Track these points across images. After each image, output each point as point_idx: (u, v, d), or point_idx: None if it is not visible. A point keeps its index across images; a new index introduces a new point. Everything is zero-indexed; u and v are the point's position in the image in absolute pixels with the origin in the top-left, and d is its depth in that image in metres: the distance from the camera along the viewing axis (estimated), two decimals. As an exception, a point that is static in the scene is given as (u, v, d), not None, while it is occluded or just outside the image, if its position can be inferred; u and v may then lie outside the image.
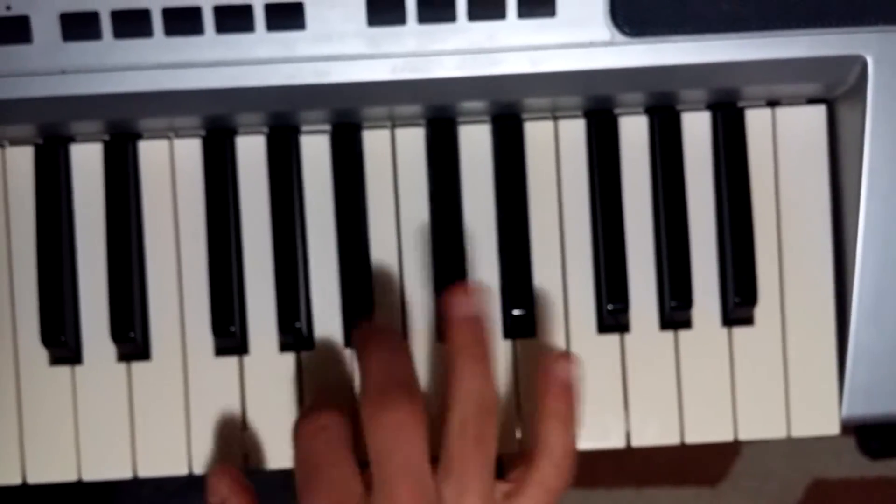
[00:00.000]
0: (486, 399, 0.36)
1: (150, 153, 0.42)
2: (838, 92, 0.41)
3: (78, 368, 0.42)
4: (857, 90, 0.40)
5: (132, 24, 0.38)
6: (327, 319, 0.42)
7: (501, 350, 0.42)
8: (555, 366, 0.37)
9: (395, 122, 0.42)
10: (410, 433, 0.35)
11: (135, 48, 0.38)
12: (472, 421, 0.35)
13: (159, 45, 0.38)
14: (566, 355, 0.38)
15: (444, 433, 0.36)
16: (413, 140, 0.42)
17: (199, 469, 0.42)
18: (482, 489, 0.35)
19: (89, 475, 0.42)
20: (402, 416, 0.35)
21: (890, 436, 0.43)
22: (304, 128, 0.42)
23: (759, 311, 0.42)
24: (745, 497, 0.92)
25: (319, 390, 0.39)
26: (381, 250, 0.42)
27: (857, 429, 0.43)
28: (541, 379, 0.37)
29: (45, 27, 0.38)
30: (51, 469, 0.41)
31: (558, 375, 0.37)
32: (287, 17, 0.38)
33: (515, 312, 0.41)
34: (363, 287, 0.41)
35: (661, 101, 0.42)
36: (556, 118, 0.42)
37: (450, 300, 0.37)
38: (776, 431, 0.42)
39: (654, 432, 0.42)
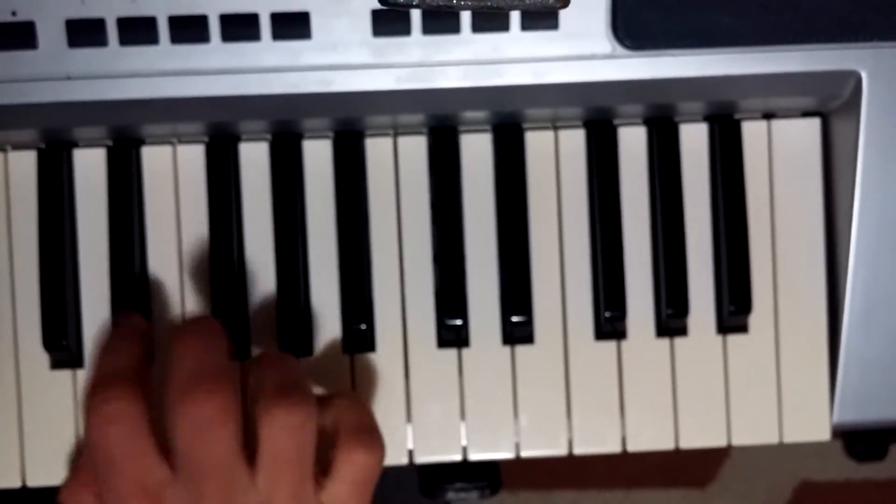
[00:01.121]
0: (292, 380, 0.34)
1: (154, 159, 0.42)
2: (833, 105, 0.42)
3: (79, 373, 0.42)
4: (852, 104, 0.40)
5: (138, 31, 0.38)
6: (327, 325, 0.42)
7: (501, 356, 0.42)
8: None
9: (397, 131, 0.42)
10: (217, 429, 0.32)
11: (140, 55, 0.38)
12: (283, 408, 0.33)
13: (165, 53, 0.38)
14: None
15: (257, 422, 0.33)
16: (415, 148, 0.42)
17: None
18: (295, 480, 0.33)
19: (90, 478, 0.42)
20: (208, 412, 0.32)
21: (876, 439, 0.44)
22: (308, 135, 0.42)
23: (754, 319, 0.42)
24: (734, 499, 0.93)
25: (108, 348, 0.35)
26: (383, 257, 0.42)
27: (844, 432, 0.44)
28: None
29: (51, 33, 0.38)
30: (51, 472, 0.42)
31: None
32: (293, 26, 0.38)
33: (515, 319, 0.42)
34: (364, 294, 0.42)
35: (660, 113, 0.42)
36: (556, 128, 0.42)
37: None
38: (768, 437, 0.42)
39: (649, 437, 0.42)
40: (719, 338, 0.43)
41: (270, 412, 0.33)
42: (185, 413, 0.32)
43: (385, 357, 0.42)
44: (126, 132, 0.42)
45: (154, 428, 0.34)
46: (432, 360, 0.42)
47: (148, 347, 0.37)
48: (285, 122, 0.42)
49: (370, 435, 0.36)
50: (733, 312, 0.42)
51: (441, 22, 0.38)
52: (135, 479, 0.33)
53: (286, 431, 0.33)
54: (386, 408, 0.42)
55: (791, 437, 0.42)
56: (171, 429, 0.33)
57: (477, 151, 0.42)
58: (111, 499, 0.33)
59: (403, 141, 0.42)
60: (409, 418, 0.42)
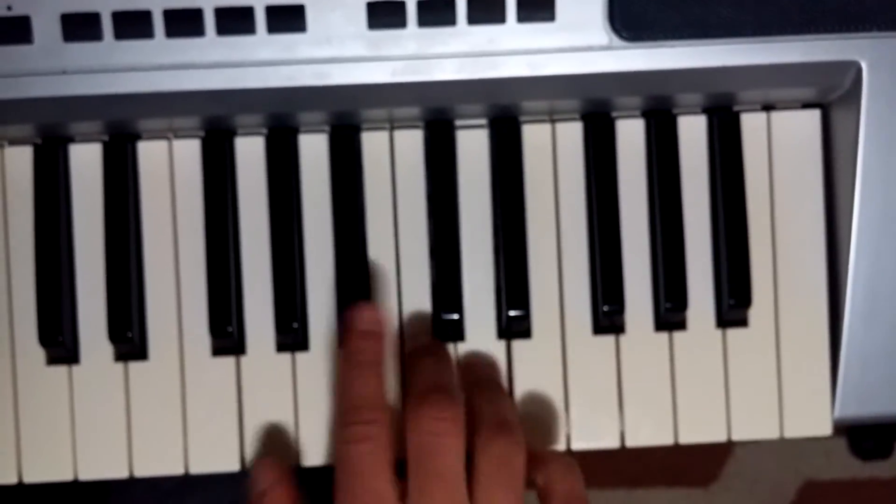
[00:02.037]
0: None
1: (150, 154, 0.42)
2: (833, 97, 0.41)
3: (75, 368, 0.42)
4: (852, 95, 0.40)
5: (133, 25, 0.38)
6: (324, 320, 0.42)
7: (497, 351, 0.42)
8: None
9: (393, 124, 0.42)
10: (450, 438, 0.36)
11: (136, 49, 0.38)
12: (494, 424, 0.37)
13: (160, 47, 0.38)
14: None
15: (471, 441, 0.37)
16: (411, 142, 0.42)
17: (195, 469, 0.42)
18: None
19: (85, 475, 0.42)
20: (444, 422, 0.36)
21: (881, 437, 0.44)
22: (303, 129, 0.42)
23: (753, 313, 0.42)
24: (737, 498, 0.92)
25: (362, 383, 0.39)
26: (379, 251, 0.42)
27: (848, 430, 0.44)
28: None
29: (46, 27, 0.38)
30: (47, 468, 0.41)
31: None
32: (288, 19, 0.38)
33: (512, 313, 0.42)
34: (360, 288, 0.42)
35: (658, 105, 0.42)
36: (553, 121, 0.42)
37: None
38: (769, 432, 0.42)
39: (648, 433, 0.42)
40: (719, 332, 0.42)
41: (491, 441, 0.37)
42: (425, 414, 0.36)
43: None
44: (122, 127, 0.42)
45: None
46: (430, 355, 0.42)
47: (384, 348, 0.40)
48: (281, 116, 0.41)
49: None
50: (733, 306, 0.42)
51: (437, 14, 0.38)
52: (375, 496, 0.36)
53: (501, 461, 0.37)
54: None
55: (792, 432, 0.42)
56: (410, 429, 0.37)
57: (473, 145, 0.42)
58: None
59: (400, 135, 0.42)
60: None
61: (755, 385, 0.42)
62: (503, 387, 0.41)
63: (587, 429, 0.42)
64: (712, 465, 0.92)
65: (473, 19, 0.38)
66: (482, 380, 0.41)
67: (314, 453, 0.41)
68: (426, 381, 0.38)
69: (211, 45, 0.38)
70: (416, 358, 0.40)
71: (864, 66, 0.39)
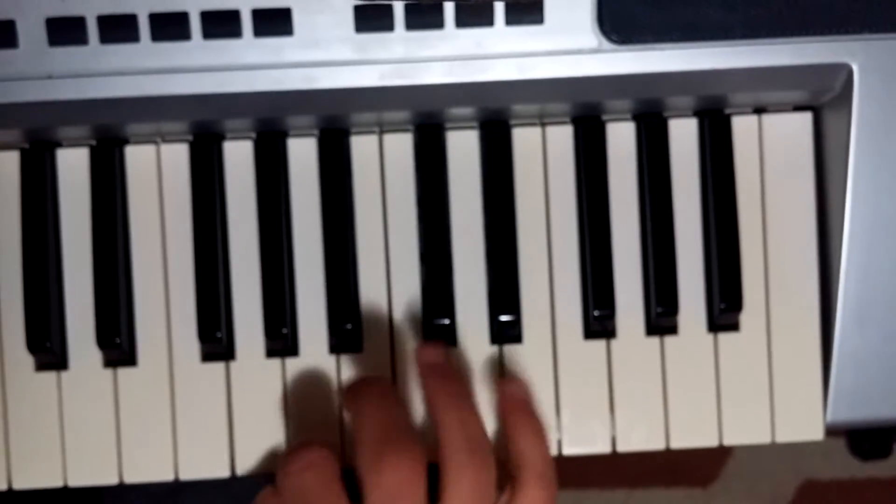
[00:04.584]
0: (474, 429, 0.37)
1: (137, 158, 0.42)
2: (824, 99, 0.41)
3: (64, 374, 0.41)
4: (843, 98, 0.40)
5: (119, 29, 0.38)
6: (314, 325, 0.42)
7: (488, 356, 0.42)
8: (510, 387, 0.39)
9: (382, 128, 0.42)
10: (410, 491, 0.35)
11: (121, 53, 0.38)
12: (465, 460, 0.36)
13: (146, 51, 0.38)
14: (514, 378, 0.41)
15: (441, 472, 0.36)
16: (401, 146, 0.42)
17: (185, 475, 0.42)
18: None
19: (75, 481, 0.41)
20: (401, 475, 0.35)
21: (881, 437, 0.43)
22: (292, 133, 0.42)
23: (745, 317, 0.42)
24: (737, 498, 0.92)
25: (303, 431, 0.39)
26: (369, 256, 0.42)
27: (848, 430, 0.43)
28: (502, 402, 0.39)
29: (31, 32, 0.38)
30: (36, 475, 0.41)
31: (516, 395, 0.39)
32: (274, 22, 0.38)
33: (503, 318, 0.41)
34: (349, 293, 0.41)
35: (649, 108, 0.42)
36: (543, 124, 0.42)
37: (419, 351, 0.39)
38: (761, 437, 0.42)
39: (639, 437, 0.42)
40: (710, 336, 0.42)
41: (460, 470, 0.36)
42: (382, 476, 0.35)
43: (371, 357, 0.42)
44: (109, 131, 0.41)
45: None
46: (420, 360, 0.42)
47: None
48: (269, 121, 0.41)
49: (553, 470, 0.38)
50: (724, 310, 0.41)
51: (424, 17, 0.38)
52: None
53: (472, 486, 0.36)
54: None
55: (784, 437, 0.42)
56: (368, 487, 0.35)
57: (463, 148, 0.42)
58: None
59: (389, 138, 0.42)
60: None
61: (747, 389, 0.42)
62: (460, 393, 0.39)
63: (578, 434, 0.42)
64: (712, 465, 0.92)
65: (461, 22, 0.38)
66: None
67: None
68: (378, 426, 0.36)
69: (197, 48, 0.38)
70: (358, 401, 0.38)
71: (855, 68, 0.39)
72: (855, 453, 0.44)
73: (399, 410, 0.38)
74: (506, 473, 0.38)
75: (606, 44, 0.38)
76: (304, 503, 0.36)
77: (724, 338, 0.42)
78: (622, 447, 0.42)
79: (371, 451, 0.36)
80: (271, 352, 0.42)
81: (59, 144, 0.42)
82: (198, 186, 0.41)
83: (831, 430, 0.42)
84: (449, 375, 0.39)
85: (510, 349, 0.42)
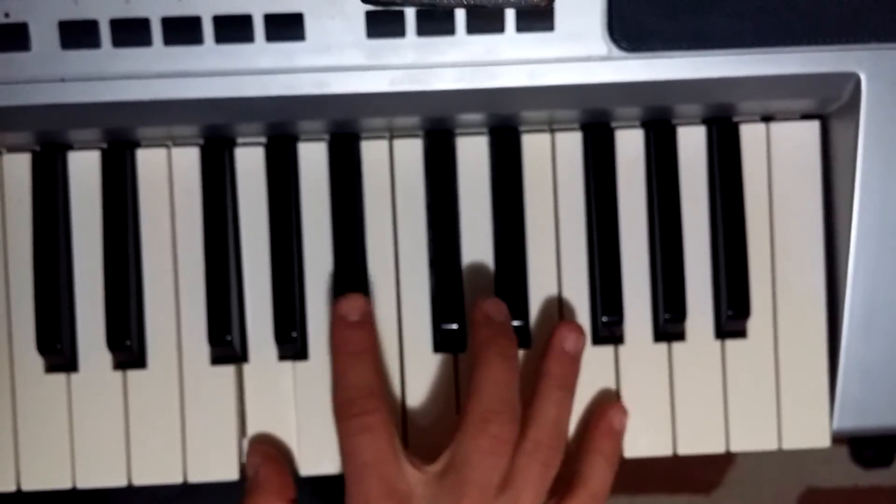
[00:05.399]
0: (563, 430, 0.39)
1: (148, 161, 0.42)
2: (832, 108, 0.41)
3: (73, 376, 0.42)
4: (851, 106, 0.40)
5: (131, 32, 0.38)
6: (324, 330, 0.42)
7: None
8: (613, 412, 0.40)
9: (393, 133, 0.42)
10: (503, 459, 0.37)
11: (134, 57, 0.38)
12: (545, 446, 0.38)
13: (158, 55, 0.38)
14: (622, 406, 0.41)
15: (517, 446, 0.38)
16: (411, 151, 0.42)
17: (193, 478, 0.42)
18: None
19: (84, 483, 0.42)
20: (503, 445, 0.37)
21: (883, 445, 0.44)
22: (303, 137, 0.42)
23: (752, 324, 0.42)
24: (739, 505, 0.92)
25: (354, 373, 0.39)
26: (378, 260, 0.42)
27: (850, 438, 0.44)
28: (595, 420, 0.40)
29: (44, 35, 0.38)
30: (45, 476, 0.41)
31: (613, 423, 0.40)
32: (287, 27, 0.38)
33: (512, 323, 0.41)
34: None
35: (657, 115, 0.42)
36: (553, 131, 0.42)
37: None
38: (767, 444, 0.42)
39: (646, 443, 0.42)
40: (718, 343, 0.42)
41: (483, 426, 0.37)
42: (487, 432, 0.37)
43: (381, 361, 0.42)
44: (120, 134, 0.42)
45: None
46: (428, 365, 0.42)
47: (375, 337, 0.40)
48: (280, 125, 0.41)
49: (605, 499, 0.40)
50: (731, 317, 0.41)
51: (435, 23, 0.38)
52: (384, 482, 0.37)
53: (491, 444, 0.37)
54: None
55: (790, 444, 0.42)
56: (467, 436, 0.37)
57: (473, 154, 0.42)
58: (359, 502, 0.37)
59: (399, 144, 0.42)
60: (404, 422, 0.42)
61: (754, 396, 0.42)
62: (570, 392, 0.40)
63: (585, 439, 0.42)
64: (715, 471, 0.92)
65: (472, 29, 0.38)
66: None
67: (314, 462, 0.41)
68: (496, 395, 0.38)
69: (209, 53, 0.38)
70: (487, 357, 0.38)
71: (863, 77, 0.39)
72: (857, 461, 0.44)
73: (517, 385, 0.39)
74: (561, 479, 0.39)
75: (616, 51, 0.39)
76: (362, 467, 0.37)
77: (732, 344, 0.42)
78: (629, 453, 0.42)
79: (483, 412, 0.37)
80: (283, 355, 0.42)
81: (71, 147, 0.42)
82: (209, 190, 0.42)
83: (836, 438, 0.42)
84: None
85: (519, 354, 0.42)
